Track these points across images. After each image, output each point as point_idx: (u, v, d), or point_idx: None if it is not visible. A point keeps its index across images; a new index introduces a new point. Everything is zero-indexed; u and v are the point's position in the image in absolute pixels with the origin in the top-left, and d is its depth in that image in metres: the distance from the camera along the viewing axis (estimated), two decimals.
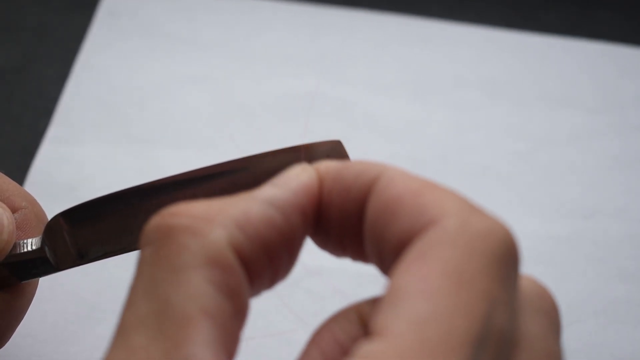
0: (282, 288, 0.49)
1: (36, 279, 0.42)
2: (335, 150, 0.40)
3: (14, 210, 0.42)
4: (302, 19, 0.65)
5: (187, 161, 0.56)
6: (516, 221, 0.54)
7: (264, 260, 0.30)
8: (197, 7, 0.65)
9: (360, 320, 0.29)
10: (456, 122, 0.60)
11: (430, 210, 0.29)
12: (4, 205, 0.41)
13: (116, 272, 0.50)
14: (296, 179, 0.31)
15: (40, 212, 0.43)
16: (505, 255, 0.28)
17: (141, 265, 0.29)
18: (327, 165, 0.32)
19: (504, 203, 0.56)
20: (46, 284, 0.47)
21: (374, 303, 0.29)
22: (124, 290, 0.29)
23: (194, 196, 0.39)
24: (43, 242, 0.41)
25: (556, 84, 0.62)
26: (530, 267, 0.53)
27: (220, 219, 0.29)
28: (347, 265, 0.51)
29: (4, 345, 0.42)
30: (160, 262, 0.29)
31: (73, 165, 0.56)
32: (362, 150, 0.57)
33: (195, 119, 0.58)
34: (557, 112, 0.60)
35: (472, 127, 0.59)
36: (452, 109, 0.60)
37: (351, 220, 0.31)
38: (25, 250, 0.41)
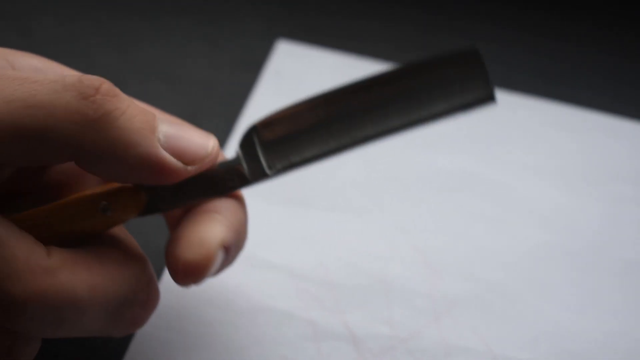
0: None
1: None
2: (472, 61, 0.39)
3: None
4: None
5: (341, 223, 0.56)
6: None
7: None
8: (360, 71, 0.65)
9: None
10: (610, 215, 0.58)
11: None
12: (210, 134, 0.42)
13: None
14: None
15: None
16: None
17: None
18: None
19: None
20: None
21: None
22: None
23: (381, 97, 0.40)
24: (238, 155, 0.41)
25: None
26: None
27: None
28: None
29: None
30: None
31: None
32: (513, 234, 0.56)
33: (351, 187, 0.59)
34: None
35: (626, 222, 0.58)
36: (606, 201, 0.59)
37: None
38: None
